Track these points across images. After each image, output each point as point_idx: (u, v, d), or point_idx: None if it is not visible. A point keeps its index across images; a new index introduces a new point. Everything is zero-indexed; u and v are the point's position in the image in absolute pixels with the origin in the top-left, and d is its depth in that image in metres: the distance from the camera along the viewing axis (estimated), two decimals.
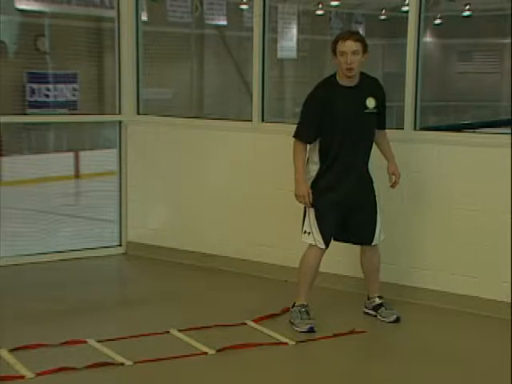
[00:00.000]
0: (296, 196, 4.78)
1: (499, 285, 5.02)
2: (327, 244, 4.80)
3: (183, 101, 11.59)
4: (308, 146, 4.80)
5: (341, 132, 4.71)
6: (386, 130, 5.01)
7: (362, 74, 4.79)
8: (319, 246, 4.78)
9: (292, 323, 4.82)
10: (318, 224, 4.77)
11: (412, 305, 5.27)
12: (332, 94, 4.73)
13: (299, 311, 4.83)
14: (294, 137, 4.79)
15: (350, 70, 4.66)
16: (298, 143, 4.78)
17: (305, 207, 4.82)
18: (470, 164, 5.14)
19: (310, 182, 4.80)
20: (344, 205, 4.78)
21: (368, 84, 4.81)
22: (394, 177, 4.91)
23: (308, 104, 4.80)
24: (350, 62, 4.63)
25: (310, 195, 4.74)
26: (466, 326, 4.98)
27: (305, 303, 4.87)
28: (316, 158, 4.80)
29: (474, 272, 5.13)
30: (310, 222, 4.79)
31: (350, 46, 4.64)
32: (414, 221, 5.34)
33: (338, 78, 4.75)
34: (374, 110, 4.78)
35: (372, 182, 4.87)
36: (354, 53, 4.63)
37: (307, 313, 4.83)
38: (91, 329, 4.75)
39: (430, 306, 5.24)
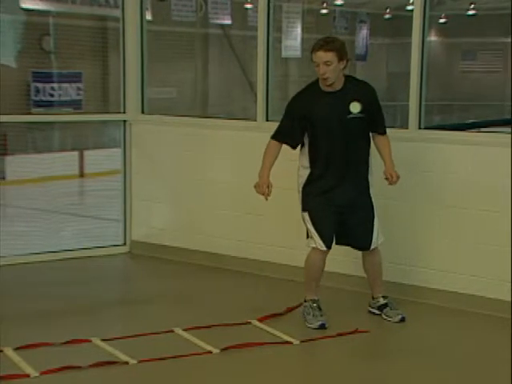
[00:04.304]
0: (254, 187, 4.80)
1: (506, 285, 5.00)
2: (328, 246, 4.80)
3: (187, 100, 11.60)
4: (281, 146, 4.83)
5: (325, 138, 4.72)
6: (390, 129, 4.99)
7: (348, 77, 4.76)
8: (320, 248, 4.79)
9: (304, 318, 4.84)
10: (315, 227, 4.77)
11: (418, 304, 5.25)
12: (312, 100, 4.73)
13: (311, 306, 4.85)
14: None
15: (324, 79, 4.65)
16: (271, 141, 4.86)
17: (302, 214, 4.84)
18: (475, 163, 5.13)
19: (301, 186, 4.83)
20: (338, 211, 4.78)
21: (352, 88, 4.74)
22: (393, 178, 4.82)
23: (287, 108, 4.85)
24: (322, 72, 4.61)
25: (270, 188, 4.75)
26: (472, 326, 4.96)
27: (315, 298, 4.88)
28: (306, 162, 4.82)
29: (481, 272, 5.12)
30: (307, 226, 4.80)
31: (320, 56, 4.61)
32: (419, 220, 5.33)
33: (320, 83, 4.74)
34: (360, 115, 4.72)
35: (368, 187, 4.86)
36: (326, 63, 4.59)
37: (319, 308, 4.84)
38: (95, 328, 4.76)
39: (436, 306, 5.22)
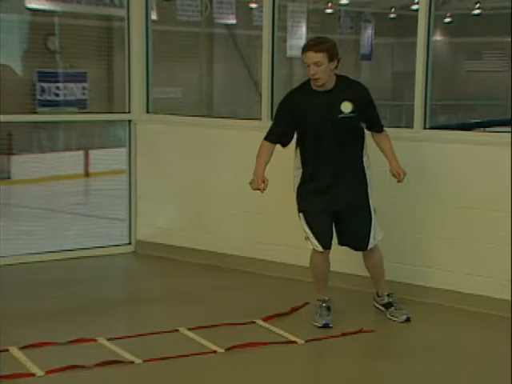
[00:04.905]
0: (249, 183, 4.74)
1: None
2: (325, 246, 4.78)
3: (192, 99, 11.62)
4: (275, 146, 4.80)
5: (315, 137, 4.71)
6: (395, 129, 4.99)
7: (340, 77, 4.74)
8: (317, 249, 4.78)
9: (312, 317, 4.86)
10: (310, 229, 4.77)
11: (423, 304, 5.23)
12: (303, 100, 4.72)
13: (319, 306, 4.87)
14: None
15: (315, 80, 4.64)
16: (264, 142, 4.83)
17: (298, 215, 4.83)
18: (480, 163, 5.12)
19: (296, 187, 4.83)
20: (334, 211, 4.77)
21: (344, 88, 4.72)
22: (400, 175, 4.81)
23: (278, 107, 4.86)
24: (312, 73, 4.60)
25: (266, 183, 4.68)
26: (478, 326, 4.95)
27: (325, 298, 4.89)
28: (298, 163, 4.83)
29: (487, 272, 5.10)
30: (303, 227, 4.80)
31: (310, 57, 4.59)
32: (425, 220, 5.32)
33: (311, 83, 4.73)
34: (351, 115, 4.69)
35: (366, 188, 4.84)
36: (317, 64, 4.57)
37: (327, 308, 4.85)
38: (101, 327, 4.76)
39: (442, 306, 5.21)
